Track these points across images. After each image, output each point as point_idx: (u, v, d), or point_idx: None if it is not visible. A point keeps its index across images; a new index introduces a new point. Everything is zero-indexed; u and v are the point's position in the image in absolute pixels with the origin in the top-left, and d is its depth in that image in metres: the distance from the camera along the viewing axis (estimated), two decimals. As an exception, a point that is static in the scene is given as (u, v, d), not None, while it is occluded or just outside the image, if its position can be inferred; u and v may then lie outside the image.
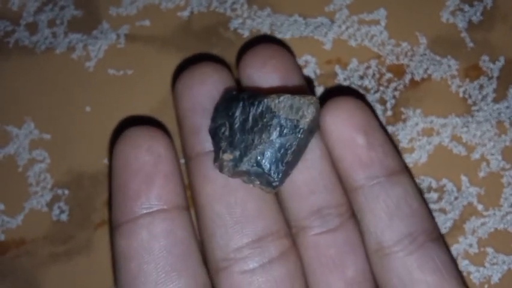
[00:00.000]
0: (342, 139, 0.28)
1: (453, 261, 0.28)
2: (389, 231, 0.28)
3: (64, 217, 0.33)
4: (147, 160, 0.28)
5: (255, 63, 0.30)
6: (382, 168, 0.28)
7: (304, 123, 0.26)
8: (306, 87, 0.30)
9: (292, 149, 0.26)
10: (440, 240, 0.29)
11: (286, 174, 0.27)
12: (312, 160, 0.29)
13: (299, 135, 0.26)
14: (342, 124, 0.28)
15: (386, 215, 0.28)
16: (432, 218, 0.29)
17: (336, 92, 0.33)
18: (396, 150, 0.29)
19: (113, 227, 0.28)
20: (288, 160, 0.27)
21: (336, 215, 0.29)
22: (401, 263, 0.27)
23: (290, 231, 0.29)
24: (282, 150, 0.26)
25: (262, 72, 0.29)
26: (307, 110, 0.26)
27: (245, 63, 0.30)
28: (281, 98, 0.27)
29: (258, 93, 0.27)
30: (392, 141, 0.29)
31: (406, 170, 0.29)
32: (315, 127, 0.28)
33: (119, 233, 0.28)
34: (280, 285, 0.28)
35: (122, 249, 0.28)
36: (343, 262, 0.28)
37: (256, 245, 0.28)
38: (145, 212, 0.28)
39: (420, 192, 0.29)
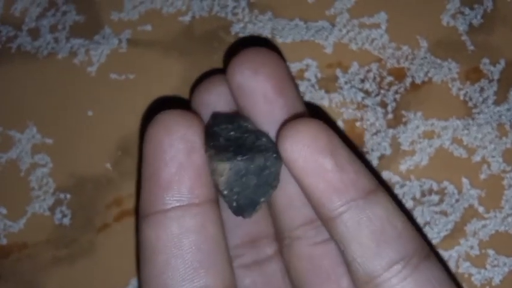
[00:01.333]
0: (309, 167, 0.25)
1: (449, 275, 0.27)
2: (378, 259, 0.25)
3: (66, 221, 0.33)
4: (181, 148, 0.26)
5: (246, 70, 0.27)
6: (357, 190, 0.26)
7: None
8: (301, 98, 0.29)
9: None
10: (432, 256, 0.27)
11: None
12: None
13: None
14: (305, 150, 0.25)
15: (372, 242, 0.25)
16: (419, 233, 0.27)
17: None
18: (365, 166, 0.27)
19: (140, 216, 0.27)
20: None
21: None
22: None
23: (283, 242, 0.28)
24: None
25: (254, 81, 0.27)
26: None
27: (234, 70, 0.28)
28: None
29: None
30: (359, 158, 0.27)
31: (380, 186, 0.27)
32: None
33: (148, 224, 0.27)
34: (273, 280, 0.29)
35: (151, 241, 0.26)
36: (337, 272, 0.27)
37: (251, 245, 0.29)
38: (176, 204, 0.26)
39: (399, 207, 0.27)
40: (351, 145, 0.32)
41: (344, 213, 0.25)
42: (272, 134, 0.27)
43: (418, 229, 0.30)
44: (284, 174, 0.27)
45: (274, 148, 0.26)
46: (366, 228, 0.25)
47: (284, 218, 0.28)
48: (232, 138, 0.26)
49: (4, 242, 0.33)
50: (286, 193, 0.28)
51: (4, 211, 0.33)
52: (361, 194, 0.26)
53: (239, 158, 0.26)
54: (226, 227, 0.28)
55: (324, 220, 0.26)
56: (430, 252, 0.27)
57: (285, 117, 0.27)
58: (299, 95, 0.29)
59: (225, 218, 0.28)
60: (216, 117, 0.28)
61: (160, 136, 0.26)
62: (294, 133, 0.26)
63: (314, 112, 0.32)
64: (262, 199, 0.26)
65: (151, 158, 0.27)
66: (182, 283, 0.26)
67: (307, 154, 0.25)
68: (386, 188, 0.32)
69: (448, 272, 0.27)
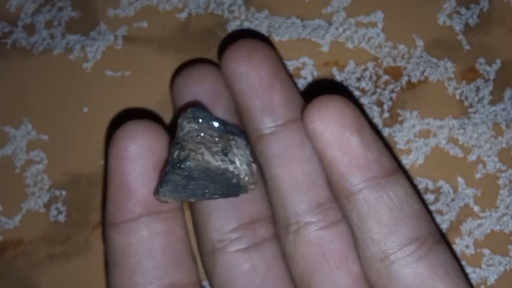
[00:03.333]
0: (335, 140, 0.26)
1: (458, 262, 0.27)
2: (394, 236, 0.26)
3: (62, 218, 0.33)
4: (147, 157, 0.28)
5: (240, 55, 0.28)
6: (380, 168, 0.26)
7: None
8: (294, 83, 0.30)
9: None
10: (443, 242, 0.27)
11: None
12: (310, 153, 0.27)
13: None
14: (333, 123, 0.26)
15: (391, 220, 0.26)
16: (433, 218, 0.28)
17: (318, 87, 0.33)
18: (388, 149, 0.28)
19: (109, 224, 0.28)
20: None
21: (337, 208, 0.28)
22: (410, 270, 0.26)
23: (288, 228, 0.28)
24: None
25: (249, 66, 0.28)
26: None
27: (229, 57, 0.28)
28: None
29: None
30: (382, 139, 0.28)
31: (399, 168, 0.27)
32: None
33: (117, 231, 0.28)
34: (273, 263, 0.29)
35: (121, 246, 0.28)
36: (348, 256, 0.27)
37: (249, 227, 0.29)
38: (145, 212, 0.28)
39: (417, 191, 0.28)
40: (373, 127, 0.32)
41: (365, 189, 0.26)
42: (273, 115, 0.28)
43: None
44: (288, 155, 0.28)
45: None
46: (385, 205, 0.26)
47: (289, 202, 0.28)
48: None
49: (-1, 238, 0.33)
50: (291, 175, 0.28)
51: (-1, 208, 0.33)
52: (383, 173, 0.26)
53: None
54: (220, 211, 0.29)
55: (343, 195, 0.26)
56: (442, 237, 0.27)
57: (282, 99, 0.28)
58: (293, 81, 0.29)
59: (219, 201, 0.29)
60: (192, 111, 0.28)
61: (125, 145, 0.27)
62: (323, 107, 0.26)
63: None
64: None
65: (117, 168, 0.28)
66: (152, 281, 0.28)
67: (335, 127, 0.26)
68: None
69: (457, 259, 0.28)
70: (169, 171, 0.26)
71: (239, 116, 0.30)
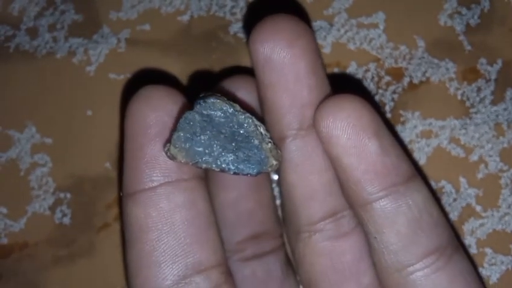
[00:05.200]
0: (352, 146, 0.24)
1: (476, 268, 0.26)
2: (414, 247, 0.24)
3: (67, 220, 0.33)
4: (167, 123, 0.25)
5: (278, 40, 0.24)
6: (398, 175, 0.24)
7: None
8: (328, 83, 0.27)
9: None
10: (461, 248, 0.26)
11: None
12: (327, 161, 0.25)
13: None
14: (350, 128, 0.24)
15: (409, 230, 0.24)
16: (450, 221, 0.26)
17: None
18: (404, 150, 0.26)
19: (126, 195, 0.26)
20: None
21: (350, 217, 0.27)
22: (429, 282, 0.24)
23: (299, 236, 0.27)
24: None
25: (287, 56, 0.24)
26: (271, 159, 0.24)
27: (262, 38, 0.24)
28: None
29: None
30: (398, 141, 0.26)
31: (416, 172, 0.26)
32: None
33: (135, 202, 0.25)
34: (273, 271, 0.29)
35: (139, 219, 0.25)
36: (359, 269, 0.26)
37: (252, 240, 0.29)
38: (164, 180, 0.25)
39: (432, 190, 0.26)
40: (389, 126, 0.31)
41: (383, 199, 0.24)
42: (301, 117, 0.25)
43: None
44: (309, 163, 0.26)
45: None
46: (404, 215, 0.24)
47: (303, 210, 0.27)
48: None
49: (5, 241, 0.33)
50: (309, 184, 0.26)
51: (4, 211, 0.33)
52: (401, 179, 0.24)
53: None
54: (230, 225, 0.28)
55: (358, 204, 0.25)
56: (459, 242, 0.26)
57: (314, 99, 0.25)
58: (326, 75, 0.26)
59: (231, 217, 0.28)
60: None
61: (144, 111, 0.25)
62: (338, 109, 0.24)
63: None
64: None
65: (135, 134, 0.25)
66: (175, 259, 0.25)
67: (351, 132, 0.24)
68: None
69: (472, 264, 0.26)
70: (187, 112, 0.24)
71: (261, 106, 0.27)
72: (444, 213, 0.28)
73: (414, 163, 0.32)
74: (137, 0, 0.34)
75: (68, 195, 0.33)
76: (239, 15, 0.34)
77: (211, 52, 0.34)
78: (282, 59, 0.24)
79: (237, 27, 0.34)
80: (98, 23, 0.35)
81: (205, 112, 0.24)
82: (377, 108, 0.32)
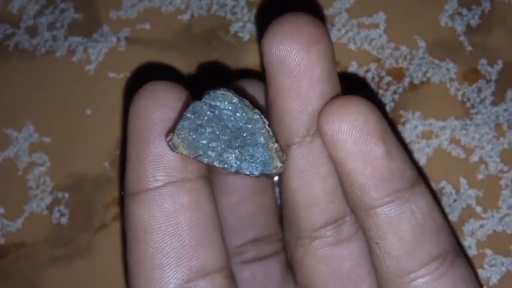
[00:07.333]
0: (357, 150, 0.23)
1: (476, 274, 0.26)
2: (416, 254, 0.24)
3: (64, 220, 0.33)
4: (172, 119, 0.24)
5: (295, 44, 0.23)
6: (403, 180, 0.24)
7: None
8: (340, 89, 0.26)
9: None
10: (462, 254, 0.25)
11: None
12: (332, 167, 0.25)
13: None
14: (356, 132, 0.23)
15: (413, 237, 0.24)
16: (451, 227, 0.26)
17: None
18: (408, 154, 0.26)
19: (128, 194, 0.25)
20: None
21: (351, 223, 0.26)
22: None
23: (299, 241, 0.27)
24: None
25: (303, 62, 0.23)
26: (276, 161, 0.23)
27: (278, 40, 0.23)
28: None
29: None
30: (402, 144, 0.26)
31: (420, 177, 0.25)
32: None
33: (138, 202, 0.25)
34: (272, 274, 0.29)
35: (142, 220, 0.24)
36: (357, 275, 0.26)
37: (253, 244, 0.29)
38: (169, 180, 0.24)
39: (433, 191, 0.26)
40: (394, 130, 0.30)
41: (387, 204, 0.24)
42: (309, 124, 0.24)
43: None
44: (313, 170, 0.25)
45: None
46: (407, 221, 0.24)
47: (305, 217, 0.26)
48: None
49: (2, 241, 0.33)
50: (312, 191, 0.25)
51: (2, 210, 0.33)
52: (406, 185, 0.24)
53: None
54: (231, 229, 0.28)
55: (361, 209, 0.24)
56: (460, 249, 0.26)
57: (321, 105, 0.24)
58: (339, 80, 0.26)
59: (232, 221, 0.28)
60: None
61: (149, 107, 0.24)
62: (343, 113, 0.23)
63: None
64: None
65: (140, 131, 0.25)
66: (179, 262, 0.24)
67: (357, 136, 0.23)
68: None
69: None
70: (195, 102, 0.23)
71: (269, 110, 0.26)
72: (444, 215, 0.28)
73: (414, 163, 0.32)
74: None
75: (66, 195, 0.33)
76: (240, 15, 0.34)
77: (211, 51, 0.34)
78: (297, 64, 0.23)
79: (237, 27, 0.34)
80: (98, 22, 0.34)
81: (213, 103, 0.23)
82: (381, 109, 0.32)
